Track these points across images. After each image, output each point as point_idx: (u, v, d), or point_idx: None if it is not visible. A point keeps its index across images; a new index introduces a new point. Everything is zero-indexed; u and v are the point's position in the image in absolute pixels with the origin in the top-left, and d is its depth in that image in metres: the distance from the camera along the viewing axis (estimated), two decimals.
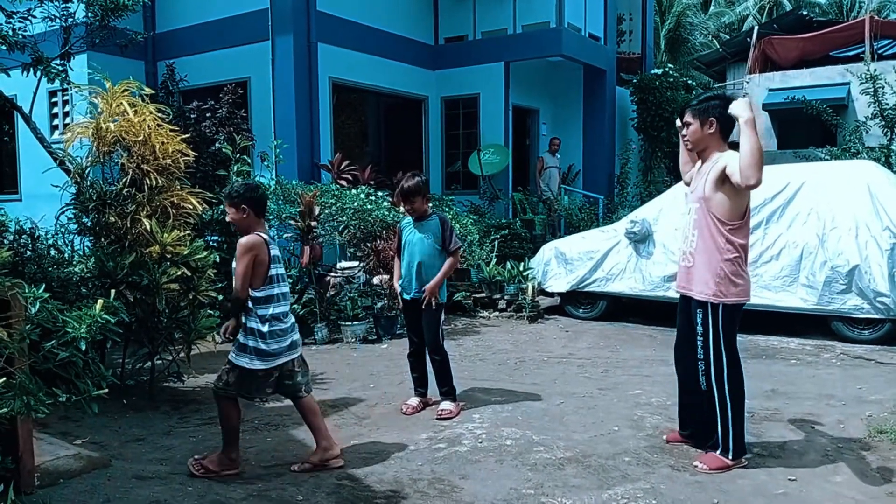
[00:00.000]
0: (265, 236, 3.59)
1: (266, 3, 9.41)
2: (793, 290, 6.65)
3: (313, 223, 7.07)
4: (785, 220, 6.81)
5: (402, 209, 4.87)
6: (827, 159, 10.12)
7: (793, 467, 3.60)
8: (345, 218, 7.80)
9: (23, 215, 5.66)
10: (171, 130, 5.09)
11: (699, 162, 3.78)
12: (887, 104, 10.79)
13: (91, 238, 5.15)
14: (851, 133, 11.29)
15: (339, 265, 8.09)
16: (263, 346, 3.53)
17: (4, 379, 2.40)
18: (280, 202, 7.91)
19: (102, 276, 4.69)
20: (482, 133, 11.82)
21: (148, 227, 4.72)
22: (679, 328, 3.91)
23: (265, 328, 3.53)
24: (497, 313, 8.29)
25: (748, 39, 17.44)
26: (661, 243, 7.33)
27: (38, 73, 5.56)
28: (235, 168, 7.08)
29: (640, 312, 7.99)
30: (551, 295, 8.41)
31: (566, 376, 5.61)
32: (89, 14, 6.17)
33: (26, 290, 2.51)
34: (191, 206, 5.07)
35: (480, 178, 11.61)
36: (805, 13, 18.31)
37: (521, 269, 8.52)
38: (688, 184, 3.91)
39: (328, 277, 7.64)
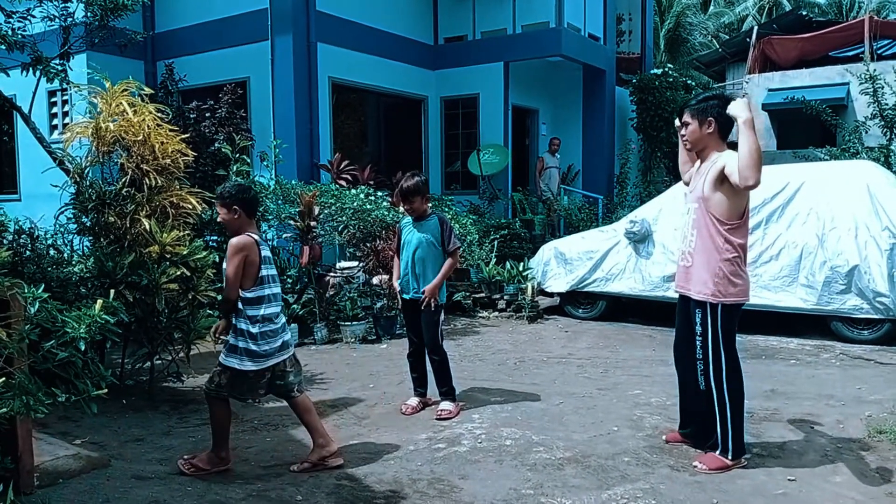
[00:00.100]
0: (256, 237, 3.59)
1: (265, 3, 9.40)
2: (792, 291, 6.66)
3: (313, 223, 7.08)
4: (784, 221, 6.81)
5: (401, 209, 4.86)
6: (826, 159, 10.13)
7: (792, 467, 3.60)
8: (344, 218, 7.80)
9: (22, 215, 5.66)
10: (171, 130, 5.09)
11: (698, 162, 3.78)
12: (887, 104, 10.79)
13: (90, 238, 5.14)
14: (851, 133, 11.29)
15: (338, 265, 8.09)
16: (254, 348, 3.52)
17: (4, 379, 2.40)
18: (279, 202, 7.91)
19: (102, 276, 4.69)
20: (482, 133, 11.82)
21: (147, 227, 4.72)
22: (678, 328, 3.90)
23: (255, 329, 3.52)
24: (496, 313, 8.29)
25: (748, 39, 17.46)
26: (660, 243, 7.34)
27: (38, 73, 5.56)
28: (235, 168, 7.07)
29: (639, 312, 8.00)
30: (551, 295, 8.41)
31: (566, 376, 5.61)
32: (89, 14, 6.16)
33: (26, 290, 2.51)
34: (190, 206, 5.07)
35: (480, 178, 11.62)
36: (804, 13, 18.33)
37: (521, 269, 8.52)
38: (687, 184, 3.91)
39: (328, 277, 7.64)
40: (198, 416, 4.67)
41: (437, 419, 4.48)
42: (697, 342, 3.67)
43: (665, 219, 7.35)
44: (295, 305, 7.16)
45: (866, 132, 11.04)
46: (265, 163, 8.23)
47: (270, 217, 7.69)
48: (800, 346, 6.52)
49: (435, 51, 12.03)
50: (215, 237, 6.83)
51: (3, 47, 5.28)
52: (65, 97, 10.00)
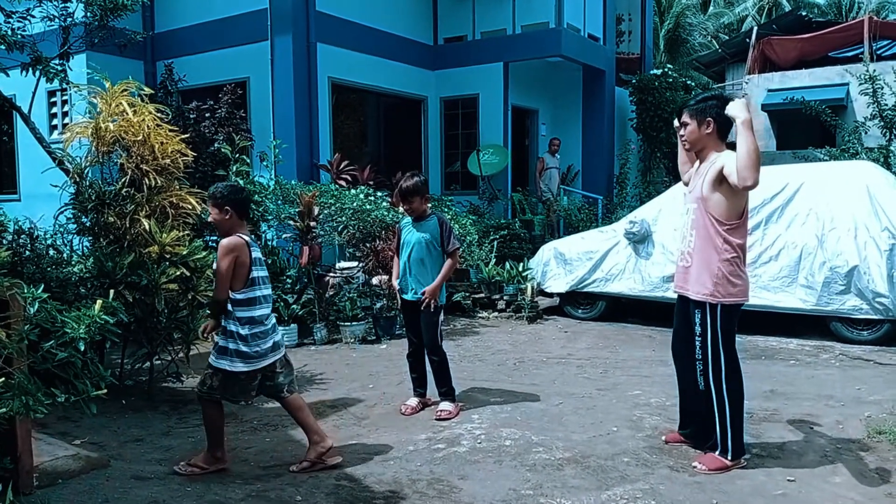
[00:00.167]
0: (246, 238, 3.58)
1: (265, 3, 9.40)
2: (792, 291, 6.66)
3: (312, 223, 7.08)
4: (784, 221, 6.81)
5: (400, 209, 4.87)
6: (826, 160, 10.13)
7: (791, 468, 3.60)
8: (344, 218, 7.80)
9: (21, 215, 5.66)
10: (171, 130, 5.10)
11: (697, 162, 3.78)
12: (886, 105, 10.80)
13: (90, 238, 5.14)
14: (850, 134, 11.30)
15: (338, 265, 8.09)
16: (245, 349, 3.51)
17: (3, 379, 2.40)
18: (279, 202, 7.91)
19: (101, 277, 4.69)
20: (481, 133, 11.82)
21: (147, 228, 4.72)
22: (676, 328, 3.90)
23: (245, 331, 3.51)
24: (496, 314, 8.29)
25: (747, 40, 17.48)
26: (660, 244, 7.34)
27: (37, 73, 5.55)
28: (234, 168, 7.08)
29: (639, 313, 8.00)
30: (550, 295, 8.41)
31: (565, 377, 5.61)
32: (88, 14, 6.16)
33: (25, 291, 2.51)
34: (190, 207, 5.07)
35: (480, 179, 11.61)
36: (804, 14, 18.36)
37: (521, 269, 8.53)
38: (686, 184, 3.91)
39: (327, 278, 7.64)
40: (197, 417, 4.66)
41: (436, 419, 4.48)
42: (697, 343, 3.67)
43: (665, 219, 7.35)
44: (294, 306, 7.16)
45: (866, 133, 11.06)
46: (265, 163, 8.23)
47: (270, 217, 7.69)
48: (799, 347, 6.52)
49: (435, 51, 12.04)
50: (215, 237, 6.83)
51: (3, 47, 5.28)
52: (64, 97, 10.00)
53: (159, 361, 5.27)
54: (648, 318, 7.79)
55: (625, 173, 13.32)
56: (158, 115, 5.02)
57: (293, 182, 8.47)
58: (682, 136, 3.77)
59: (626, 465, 3.67)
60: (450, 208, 9.70)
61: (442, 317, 4.70)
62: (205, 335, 3.67)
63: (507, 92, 11.68)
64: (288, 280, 7.56)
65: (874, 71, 10.94)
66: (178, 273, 4.74)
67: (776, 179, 6.82)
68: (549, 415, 4.55)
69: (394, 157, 11.37)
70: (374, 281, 7.61)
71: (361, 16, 10.35)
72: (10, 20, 5.52)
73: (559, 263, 8.04)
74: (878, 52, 15.90)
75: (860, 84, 11.05)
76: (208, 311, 3.84)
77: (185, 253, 4.83)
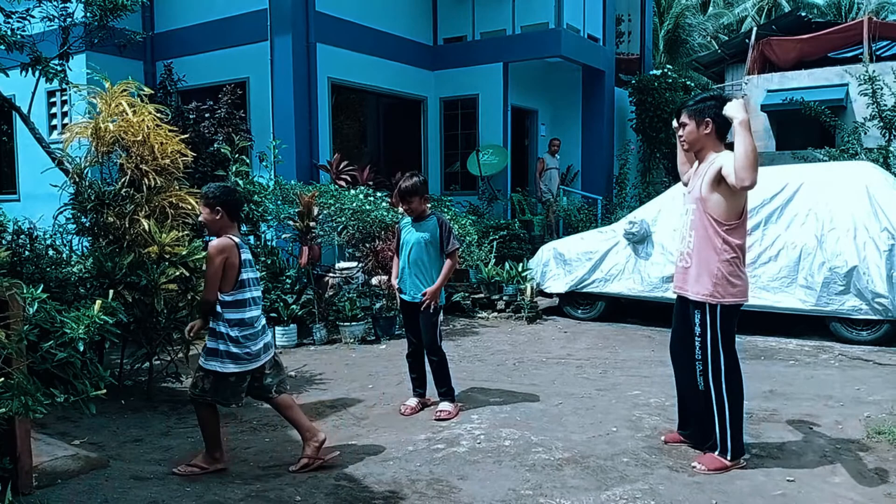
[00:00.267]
0: (236, 239, 3.58)
1: (265, 4, 9.40)
2: (791, 291, 6.66)
3: (312, 223, 7.08)
4: (783, 221, 6.82)
5: (400, 209, 4.87)
6: (825, 160, 10.15)
7: (791, 468, 3.61)
8: (343, 218, 7.80)
9: (21, 215, 5.67)
10: (170, 131, 5.10)
11: (696, 162, 3.79)
12: (886, 105, 10.81)
13: (89, 238, 5.14)
14: (850, 134, 11.31)
15: (337, 265, 8.09)
16: (235, 350, 3.51)
17: (2, 379, 2.40)
18: (279, 202, 7.91)
19: (101, 277, 4.69)
20: (481, 134, 11.83)
21: (146, 228, 4.72)
22: (674, 329, 3.90)
23: (234, 333, 3.51)
24: (496, 314, 8.29)
25: (747, 40, 17.49)
26: (659, 244, 7.34)
27: (37, 73, 5.55)
28: (234, 168, 7.07)
29: (638, 313, 8.00)
30: (550, 296, 8.41)
31: (565, 377, 5.61)
32: (88, 14, 6.16)
33: (24, 291, 2.51)
34: (189, 207, 5.07)
35: (479, 179, 11.62)
36: (803, 14, 18.37)
37: (520, 269, 8.53)
38: (685, 184, 3.91)
39: (327, 278, 7.64)
40: (196, 417, 4.66)
41: (435, 420, 4.48)
42: (696, 343, 3.67)
43: (664, 220, 7.35)
44: (294, 306, 7.16)
45: (865, 133, 11.07)
46: (264, 163, 8.23)
47: (270, 217, 7.68)
48: (799, 347, 6.52)
49: (434, 51, 12.04)
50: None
51: (3, 47, 5.28)
52: (64, 97, 9.99)
53: (158, 362, 5.26)
54: (648, 318, 7.79)
55: (624, 174, 13.33)
56: (158, 115, 5.02)
57: (293, 182, 8.48)
58: (680, 136, 3.78)
59: (625, 466, 3.68)
60: (449, 208, 9.71)
61: (441, 317, 4.70)
62: (191, 335, 3.66)
63: (507, 92, 11.68)
64: (287, 280, 7.56)
65: (873, 71, 10.96)
66: (177, 273, 4.74)
67: (775, 180, 6.82)
68: (549, 415, 4.55)
69: (393, 158, 11.38)
70: (374, 281, 7.61)
71: (361, 16, 10.35)
72: (10, 20, 5.52)
73: (558, 264, 8.04)
74: (878, 53, 15.92)
75: (859, 85, 11.07)
76: (197, 311, 3.84)
77: (184, 253, 4.83)
